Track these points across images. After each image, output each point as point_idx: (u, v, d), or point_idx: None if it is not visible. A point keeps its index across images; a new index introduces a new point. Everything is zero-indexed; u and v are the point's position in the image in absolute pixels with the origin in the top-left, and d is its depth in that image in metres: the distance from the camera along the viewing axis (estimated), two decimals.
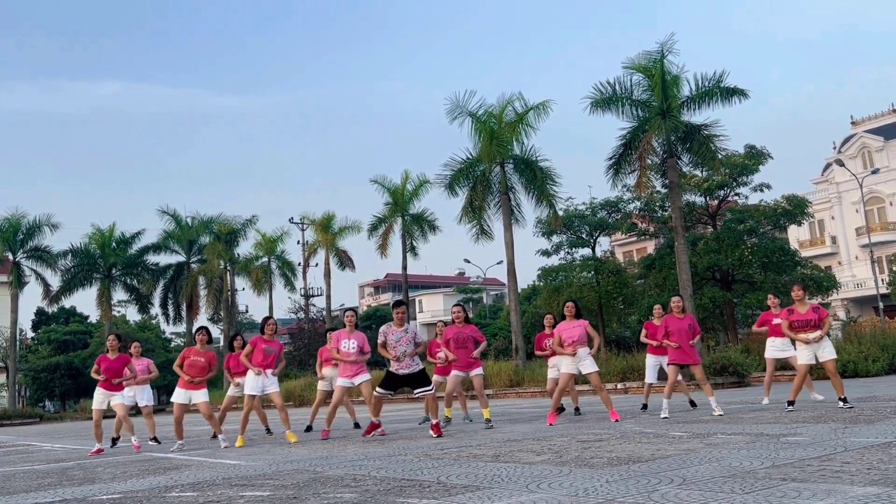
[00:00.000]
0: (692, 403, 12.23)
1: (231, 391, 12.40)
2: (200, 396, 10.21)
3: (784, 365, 14.21)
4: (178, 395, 10.34)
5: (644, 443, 7.04)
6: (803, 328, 9.80)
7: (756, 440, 6.65)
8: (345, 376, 10.16)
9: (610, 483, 4.71)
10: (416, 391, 9.75)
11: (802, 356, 9.93)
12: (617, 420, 10.07)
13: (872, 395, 12.29)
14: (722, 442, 6.68)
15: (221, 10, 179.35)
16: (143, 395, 12.23)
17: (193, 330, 10.79)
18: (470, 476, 5.46)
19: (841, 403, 9.70)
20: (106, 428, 11.90)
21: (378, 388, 9.79)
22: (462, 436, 9.36)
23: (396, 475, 5.81)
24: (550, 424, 10.15)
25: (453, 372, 10.77)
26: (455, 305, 11.20)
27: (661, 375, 12.28)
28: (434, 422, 9.61)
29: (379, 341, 9.82)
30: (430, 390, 9.76)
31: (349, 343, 10.11)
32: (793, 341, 10.39)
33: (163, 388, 56.52)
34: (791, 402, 9.97)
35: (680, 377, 10.99)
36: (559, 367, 11.14)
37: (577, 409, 12.40)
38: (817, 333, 9.68)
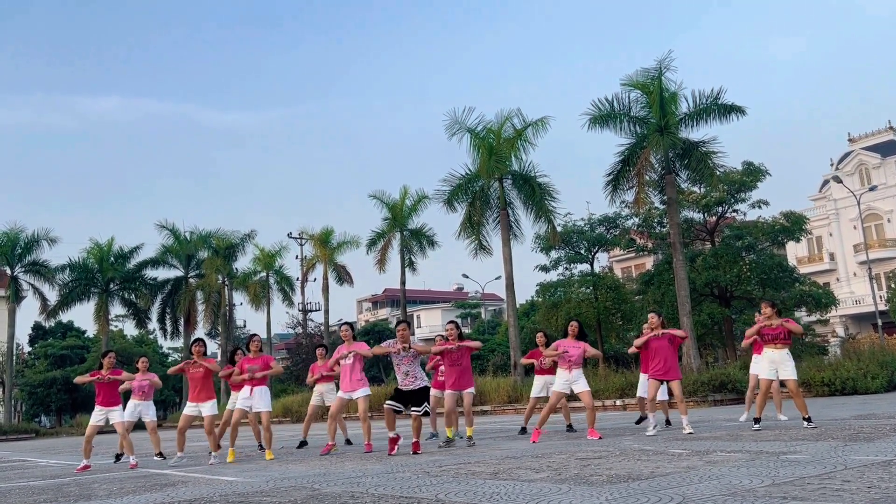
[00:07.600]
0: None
1: (231, 404, 12.46)
2: (208, 409, 10.47)
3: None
4: (189, 408, 10.63)
5: (643, 460, 7.01)
6: (773, 341, 9.86)
7: (756, 458, 6.63)
8: (344, 390, 10.25)
9: (609, 501, 4.69)
10: (410, 409, 9.85)
11: (764, 370, 9.96)
12: (596, 438, 10.08)
13: (871, 412, 12.25)
14: (722, 459, 6.66)
15: (221, 26, 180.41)
16: (149, 411, 12.19)
17: (190, 342, 10.93)
18: (469, 493, 5.43)
19: (805, 423, 9.60)
20: (106, 443, 11.86)
21: (388, 401, 9.87)
22: (461, 453, 9.32)
23: (395, 492, 5.77)
24: (534, 442, 10.15)
25: (448, 391, 10.82)
26: (449, 322, 11.23)
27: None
28: (415, 440, 9.69)
29: (384, 343, 9.98)
30: (419, 412, 9.80)
31: (350, 355, 10.24)
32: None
33: (159, 404, 56.32)
34: (757, 420, 9.96)
35: (663, 396, 11.07)
36: (548, 385, 11.28)
37: (569, 426, 12.36)
38: (785, 351, 9.77)
